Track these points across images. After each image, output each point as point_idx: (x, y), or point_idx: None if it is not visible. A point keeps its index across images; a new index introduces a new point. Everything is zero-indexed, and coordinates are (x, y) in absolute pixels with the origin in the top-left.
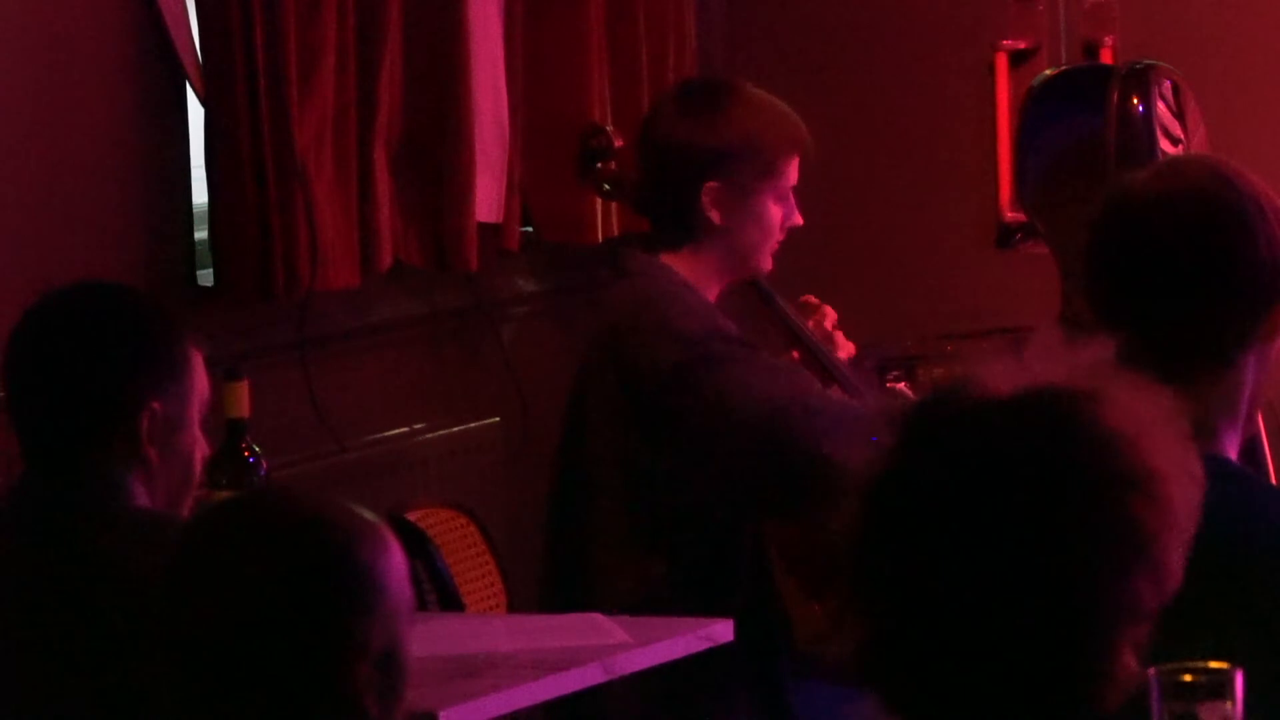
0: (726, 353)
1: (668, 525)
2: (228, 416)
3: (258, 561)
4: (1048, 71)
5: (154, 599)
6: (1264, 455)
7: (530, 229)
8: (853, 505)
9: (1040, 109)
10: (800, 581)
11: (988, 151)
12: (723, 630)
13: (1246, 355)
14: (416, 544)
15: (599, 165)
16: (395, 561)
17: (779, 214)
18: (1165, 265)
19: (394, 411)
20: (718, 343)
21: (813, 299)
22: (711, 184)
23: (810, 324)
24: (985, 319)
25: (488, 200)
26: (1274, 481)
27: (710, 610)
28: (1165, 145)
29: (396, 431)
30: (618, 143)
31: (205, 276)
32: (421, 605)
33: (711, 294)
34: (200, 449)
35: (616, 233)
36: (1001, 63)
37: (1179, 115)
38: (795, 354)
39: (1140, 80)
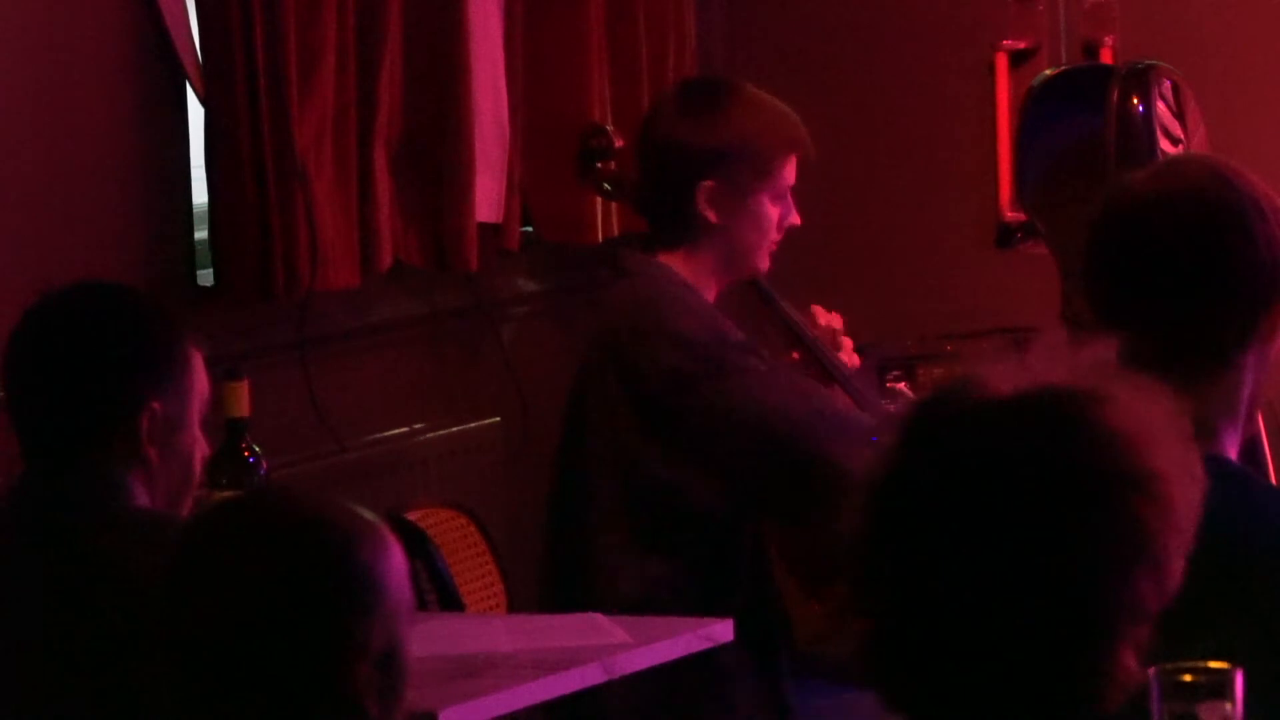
0: (733, 361)
1: (668, 525)
2: (228, 416)
3: (258, 561)
4: (1048, 71)
5: (154, 599)
6: (1264, 455)
7: (530, 229)
8: (854, 505)
9: (1040, 109)
10: (800, 581)
11: (988, 151)
12: (723, 630)
13: (1246, 355)
14: (416, 544)
15: (599, 165)
16: (395, 561)
17: (776, 214)
18: (1165, 265)
19: (394, 411)
20: (723, 349)
21: (820, 310)
22: (709, 183)
23: (816, 331)
24: (985, 319)
25: (488, 200)
26: (1274, 481)
27: (710, 610)
28: (1165, 145)
29: (396, 431)
30: (618, 143)
31: (205, 276)
32: (421, 605)
33: (710, 294)
34: (200, 449)
35: (616, 233)
36: (1001, 63)
37: (1179, 115)
38: (795, 354)
39: (1140, 80)
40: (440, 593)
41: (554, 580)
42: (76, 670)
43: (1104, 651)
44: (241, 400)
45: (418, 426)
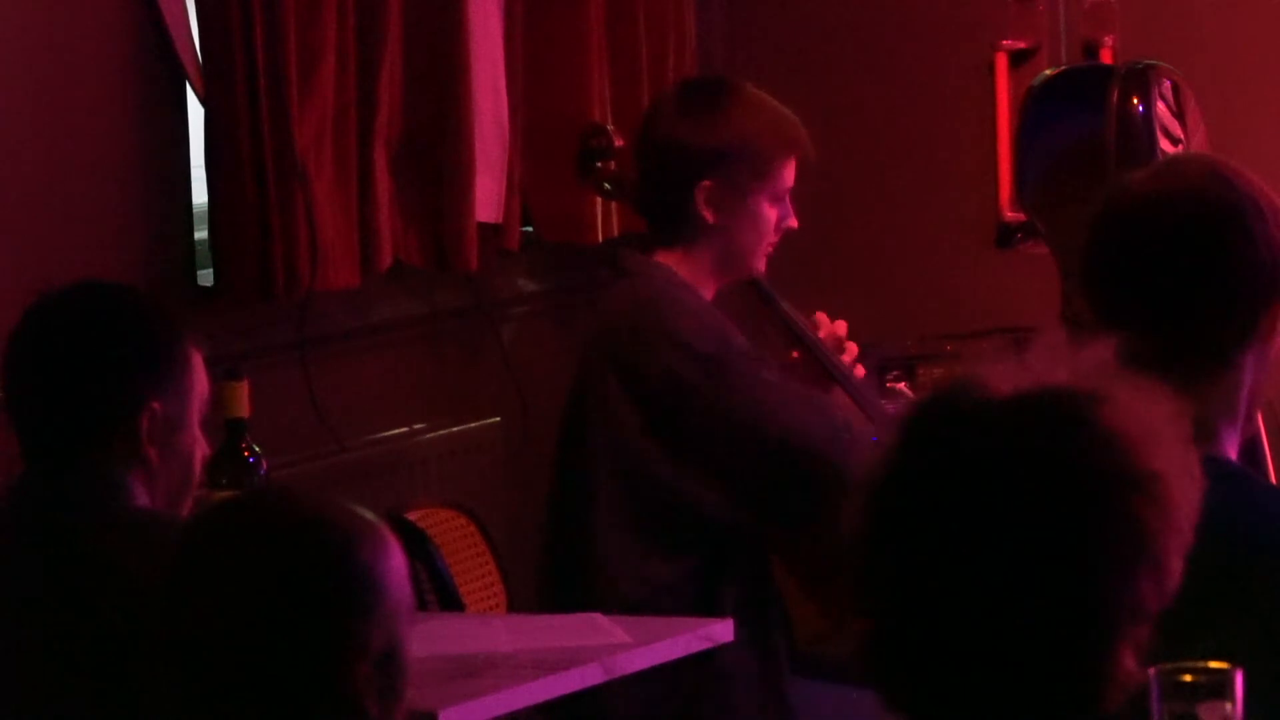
0: (736, 368)
1: (668, 525)
2: (228, 416)
3: (257, 562)
4: (1048, 71)
5: (154, 599)
6: (1264, 455)
7: (530, 229)
8: (854, 505)
9: (1040, 109)
10: (800, 581)
11: (988, 151)
12: (723, 630)
13: (1245, 355)
14: (416, 544)
15: (599, 165)
16: (395, 561)
17: (774, 215)
18: (1164, 265)
19: (394, 411)
20: (726, 356)
21: (824, 317)
22: (708, 183)
23: (821, 334)
24: (985, 319)
25: (488, 200)
26: (1274, 481)
27: (710, 610)
28: (1165, 145)
29: (396, 431)
30: (618, 143)
31: (205, 276)
32: (421, 605)
33: (707, 293)
34: (200, 449)
35: (616, 233)
36: (1001, 63)
37: (1179, 115)
38: (795, 354)
39: (1140, 80)
40: (440, 593)
41: (554, 580)
42: (76, 670)
43: (1104, 652)
44: (241, 400)
45: (418, 426)
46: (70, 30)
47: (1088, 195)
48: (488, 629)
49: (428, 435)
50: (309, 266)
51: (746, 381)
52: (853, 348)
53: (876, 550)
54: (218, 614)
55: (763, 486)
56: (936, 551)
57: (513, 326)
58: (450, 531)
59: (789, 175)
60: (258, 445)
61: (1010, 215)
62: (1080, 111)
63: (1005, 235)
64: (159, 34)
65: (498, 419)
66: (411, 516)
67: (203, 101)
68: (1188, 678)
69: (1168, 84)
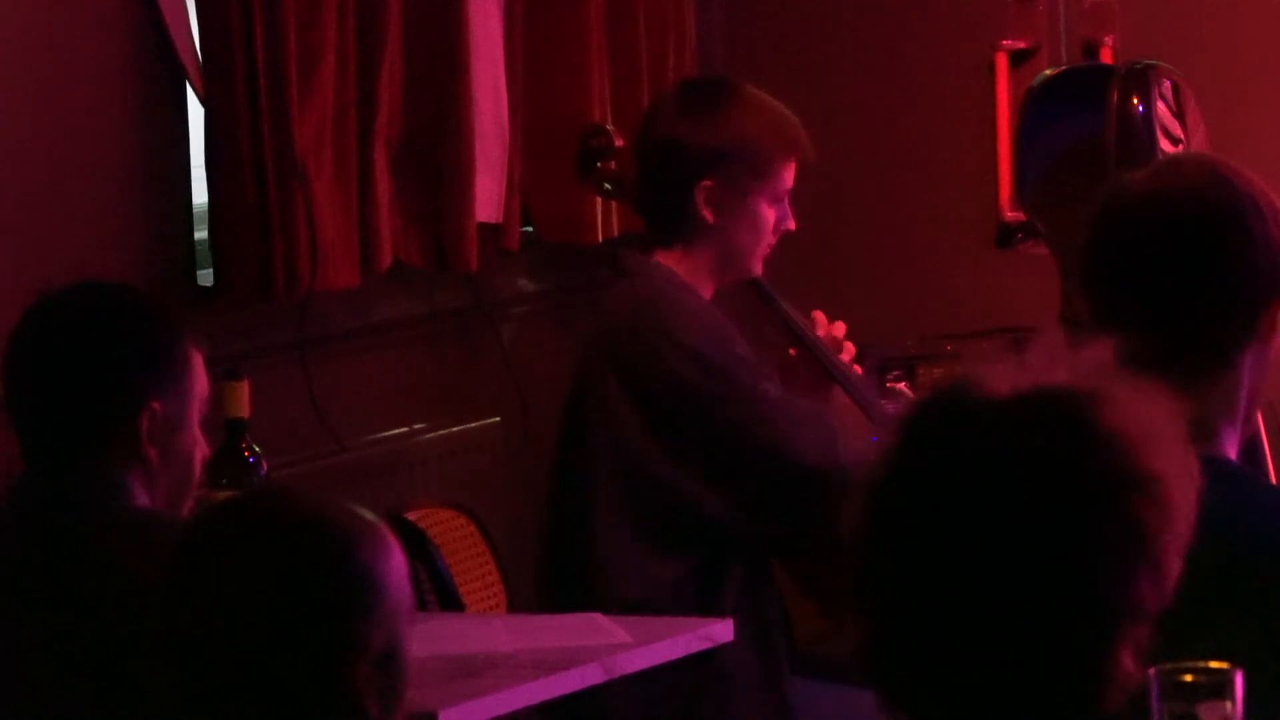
0: (737, 377)
1: (669, 526)
2: (228, 416)
3: (257, 562)
4: (1048, 71)
5: (154, 599)
6: (1264, 455)
7: (530, 229)
8: (854, 505)
9: (1040, 109)
10: (800, 581)
11: (988, 151)
12: (723, 630)
13: (1245, 355)
14: (416, 544)
15: (599, 165)
16: (395, 562)
17: (772, 216)
18: (1163, 265)
19: (394, 411)
20: (728, 363)
21: (821, 317)
22: (707, 183)
23: (821, 333)
24: (985, 319)
25: (488, 200)
26: (1274, 481)
27: (710, 610)
28: (1165, 145)
29: (396, 431)
30: (618, 143)
31: (205, 276)
32: (421, 605)
33: (706, 294)
34: (200, 449)
35: (616, 233)
36: (1001, 63)
37: (1179, 115)
38: (793, 352)
39: (1140, 80)
40: (440, 593)
41: (554, 580)
42: (77, 670)
43: (1103, 652)
44: (241, 400)
45: (418, 426)
46: (70, 30)
47: (1088, 195)
48: (488, 629)
49: (428, 435)
50: (309, 266)
51: (744, 390)
52: (850, 348)
53: (876, 550)
54: (218, 614)
55: (752, 494)
56: (936, 551)
57: (513, 326)
58: (450, 531)
59: (788, 176)
60: (258, 445)
61: (1010, 215)
62: (1080, 111)
63: (1005, 235)
64: (159, 34)
65: (498, 419)
66: (411, 516)
67: (203, 101)
68: (1188, 678)
69: (1168, 84)
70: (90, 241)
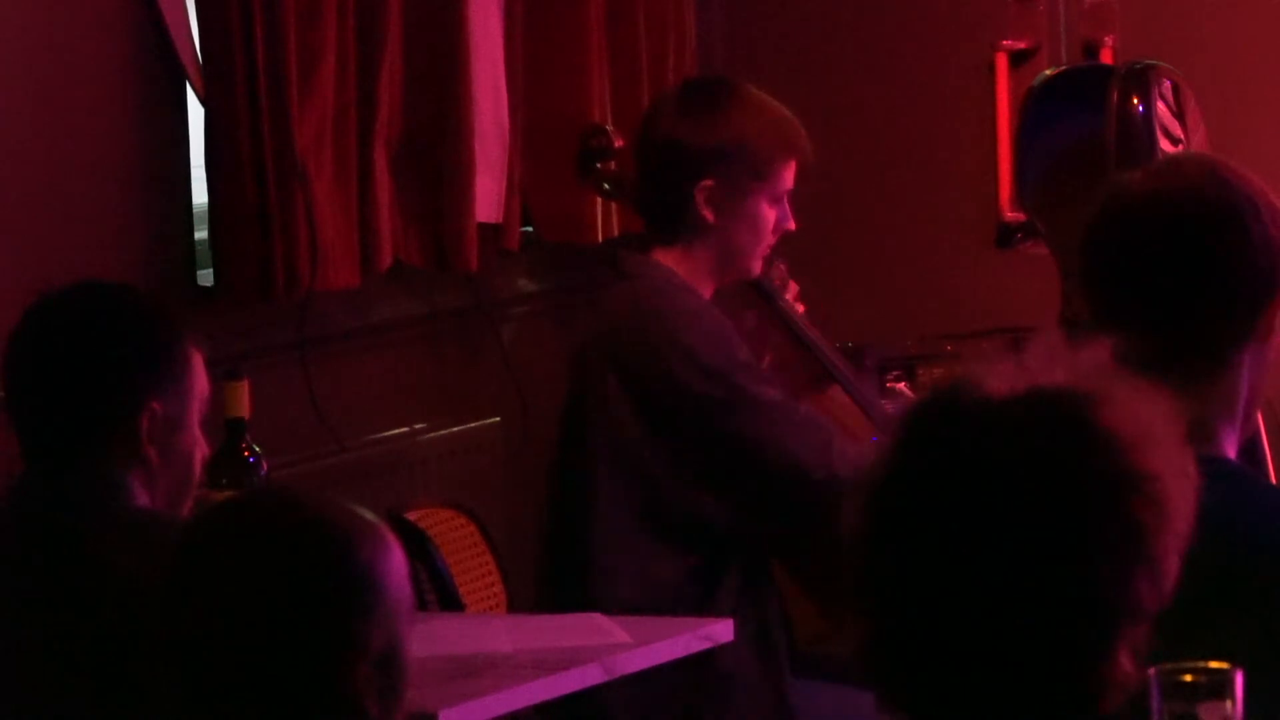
0: (738, 384)
1: (668, 526)
2: (228, 416)
3: (257, 562)
4: (1048, 71)
5: (154, 599)
6: (1264, 455)
7: (530, 229)
8: (854, 505)
9: (1040, 109)
10: (800, 581)
11: (988, 151)
12: (723, 630)
13: (1244, 355)
14: (416, 544)
15: (599, 165)
16: (395, 562)
17: (772, 217)
18: (1162, 265)
19: (394, 411)
20: (731, 369)
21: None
22: (706, 183)
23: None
24: (985, 319)
25: (488, 200)
26: (1274, 481)
27: (710, 610)
28: (1165, 145)
29: (396, 431)
30: (618, 143)
31: (205, 276)
32: (421, 605)
33: (705, 294)
34: (200, 449)
35: (616, 233)
36: (1001, 63)
37: (1179, 115)
38: (794, 353)
39: (1140, 80)
40: (440, 593)
41: (554, 580)
42: (76, 670)
43: (1102, 652)
44: (241, 400)
45: (418, 426)
46: (70, 30)
47: (1088, 195)
48: (488, 629)
49: (428, 435)
50: (309, 266)
51: (743, 391)
52: (794, 286)
53: (875, 550)
54: (218, 614)
55: (751, 495)
56: (935, 551)
57: (513, 326)
58: (450, 531)
59: (788, 177)
60: (258, 445)
61: (1010, 215)
62: (1080, 112)
63: (1005, 235)
64: (159, 34)
65: (498, 419)
66: (411, 516)
67: (203, 101)
68: (1188, 678)
69: (1168, 84)
70: (90, 241)
